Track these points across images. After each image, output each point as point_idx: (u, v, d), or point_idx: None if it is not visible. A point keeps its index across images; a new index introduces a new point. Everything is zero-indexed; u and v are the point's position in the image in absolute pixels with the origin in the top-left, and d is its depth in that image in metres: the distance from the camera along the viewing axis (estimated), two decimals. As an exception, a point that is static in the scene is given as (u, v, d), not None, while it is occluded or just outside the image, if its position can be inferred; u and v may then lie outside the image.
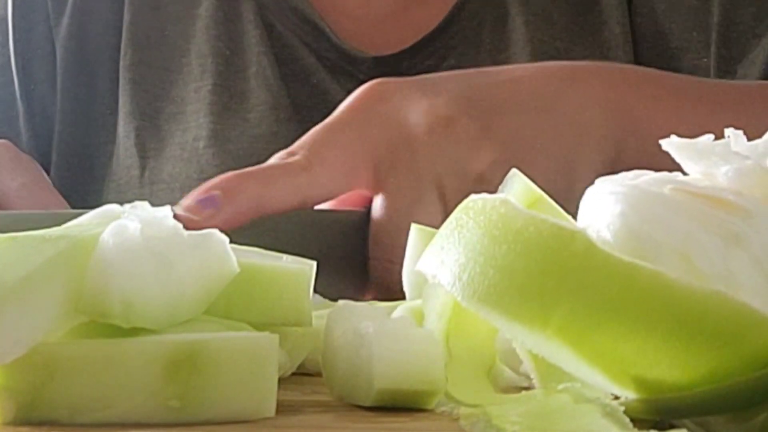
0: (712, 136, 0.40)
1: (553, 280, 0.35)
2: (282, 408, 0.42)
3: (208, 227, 0.60)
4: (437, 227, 0.61)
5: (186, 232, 0.41)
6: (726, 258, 0.37)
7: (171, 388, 0.38)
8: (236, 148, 0.90)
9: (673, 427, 0.35)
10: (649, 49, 0.89)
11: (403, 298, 0.54)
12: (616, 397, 0.37)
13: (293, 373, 0.50)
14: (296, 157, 0.64)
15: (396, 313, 0.48)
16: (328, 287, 0.63)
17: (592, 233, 0.37)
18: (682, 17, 0.88)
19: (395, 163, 0.64)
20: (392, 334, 0.42)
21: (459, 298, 0.36)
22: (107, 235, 0.39)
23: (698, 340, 0.34)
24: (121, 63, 0.94)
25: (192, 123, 0.91)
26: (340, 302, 0.46)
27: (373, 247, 0.64)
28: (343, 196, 0.65)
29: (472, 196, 0.38)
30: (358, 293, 0.66)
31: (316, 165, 0.63)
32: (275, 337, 0.39)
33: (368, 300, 0.65)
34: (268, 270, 0.45)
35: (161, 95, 0.93)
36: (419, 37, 0.91)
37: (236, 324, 0.43)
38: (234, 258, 0.42)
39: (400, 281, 0.59)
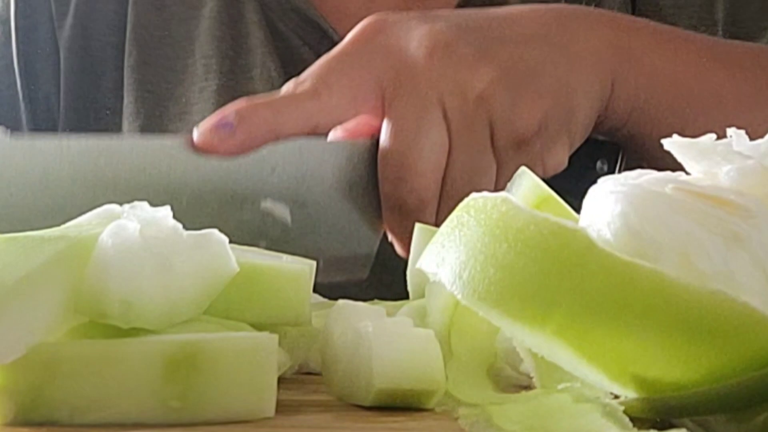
0: (714, 136, 0.40)
1: (553, 279, 0.35)
2: (282, 408, 0.42)
3: (224, 150, 0.63)
4: (441, 147, 0.64)
5: (185, 232, 0.41)
6: (726, 257, 0.36)
7: (171, 388, 0.38)
8: None
9: (672, 426, 0.35)
10: None
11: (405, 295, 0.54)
12: (616, 396, 0.36)
13: (293, 373, 0.50)
14: (305, 86, 0.66)
15: (400, 313, 0.48)
16: (344, 214, 0.65)
17: (593, 232, 0.37)
18: (688, 13, 0.89)
19: (399, 88, 0.67)
20: (391, 334, 0.42)
21: (459, 297, 0.36)
22: (106, 236, 0.39)
23: (698, 339, 0.34)
24: (126, 63, 0.94)
25: (198, 123, 0.91)
26: (340, 302, 0.46)
27: (383, 168, 0.66)
28: (350, 126, 0.67)
29: (473, 195, 0.38)
30: (373, 218, 0.68)
31: (324, 92, 0.66)
32: (275, 337, 0.39)
33: (383, 228, 0.68)
34: (268, 270, 0.45)
35: (166, 95, 0.93)
36: None
37: (236, 324, 0.43)
38: (233, 258, 0.42)
39: (410, 200, 0.64)
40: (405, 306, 0.50)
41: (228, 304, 0.44)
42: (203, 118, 0.89)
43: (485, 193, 0.38)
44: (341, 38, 0.90)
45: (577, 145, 0.69)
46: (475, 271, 0.36)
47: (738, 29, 0.88)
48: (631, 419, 0.35)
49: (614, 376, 0.36)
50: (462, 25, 0.68)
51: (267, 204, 0.65)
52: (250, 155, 0.64)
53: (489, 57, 0.67)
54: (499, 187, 0.66)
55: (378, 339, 0.42)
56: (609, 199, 0.38)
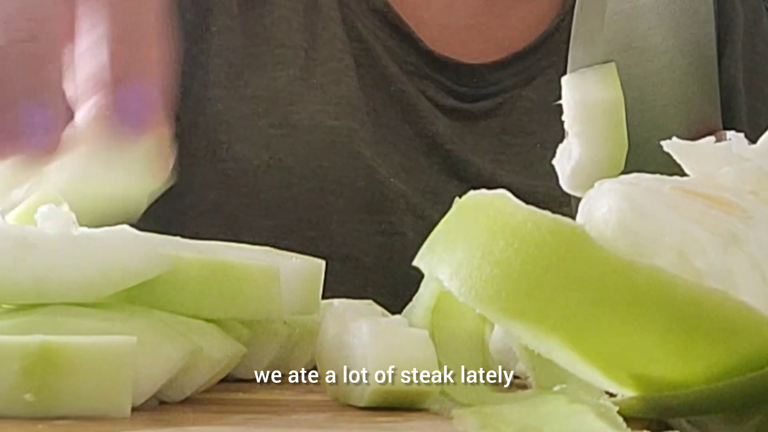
0: (713, 138, 0.40)
1: (550, 276, 0.35)
2: (277, 408, 0.42)
3: None
4: None
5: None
6: (724, 257, 0.36)
7: (27, 384, 0.37)
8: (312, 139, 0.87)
9: (668, 428, 0.35)
10: None
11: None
12: (612, 395, 0.36)
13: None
14: None
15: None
16: None
17: (590, 230, 0.37)
18: None
19: None
20: (386, 334, 0.42)
21: (456, 293, 0.36)
22: None
23: (695, 337, 0.34)
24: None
25: (269, 109, 0.88)
26: (334, 302, 0.45)
27: None
28: None
29: (471, 192, 0.38)
30: None
31: None
32: (132, 340, 0.39)
33: None
34: (239, 267, 0.45)
35: (239, 79, 0.90)
36: (506, 54, 0.90)
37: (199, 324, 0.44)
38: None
39: None
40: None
41: (200, 300, 0.44)
42: (276, 106, 0.88)
43: (483, 191, 0.38)
44: (422, 41, 0.89)
45: None
46: (472, 268, 0.36)
47: None
48: (626, 420, 0.34)
49: (611, 373, 0.35)
50: None
51: None
52: None
53: None
54: None
55: (372, 339, 0.41)
56: (606, 196, 0.38)
